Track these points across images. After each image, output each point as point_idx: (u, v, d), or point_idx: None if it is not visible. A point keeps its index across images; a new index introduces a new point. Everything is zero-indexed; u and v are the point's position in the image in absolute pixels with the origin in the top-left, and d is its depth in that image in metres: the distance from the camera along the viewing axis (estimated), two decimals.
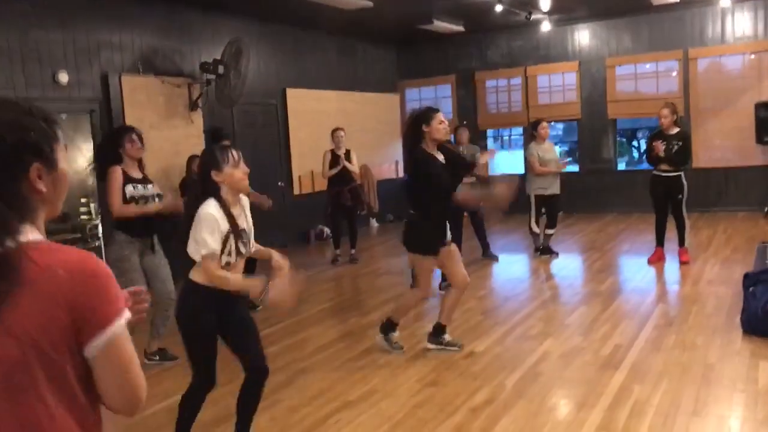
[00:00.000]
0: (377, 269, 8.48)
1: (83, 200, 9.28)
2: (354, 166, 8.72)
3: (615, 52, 11.79)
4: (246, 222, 3.35)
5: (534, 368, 4.59)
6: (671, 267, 7.49)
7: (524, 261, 8.57)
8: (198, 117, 8.75)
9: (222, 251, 3.17)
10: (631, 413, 3.78)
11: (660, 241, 7.73)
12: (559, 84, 12.31)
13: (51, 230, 6.43)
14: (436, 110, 4.81)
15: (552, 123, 16.77)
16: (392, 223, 12.31)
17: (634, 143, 20.38)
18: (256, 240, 3.46)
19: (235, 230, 3.21)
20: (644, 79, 11.69)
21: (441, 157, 4.80)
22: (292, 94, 10.48)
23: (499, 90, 12.85)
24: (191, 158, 8.28)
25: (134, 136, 4.98)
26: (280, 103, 10.35)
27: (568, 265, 8.08)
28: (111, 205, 4.82)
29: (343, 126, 10.12)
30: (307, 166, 10.51)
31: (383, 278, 7.88)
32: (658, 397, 3.95)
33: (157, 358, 5.17)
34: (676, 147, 7.30)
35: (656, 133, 7.56)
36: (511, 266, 8.30)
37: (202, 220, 3.14)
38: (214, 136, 7.52)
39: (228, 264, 3.22)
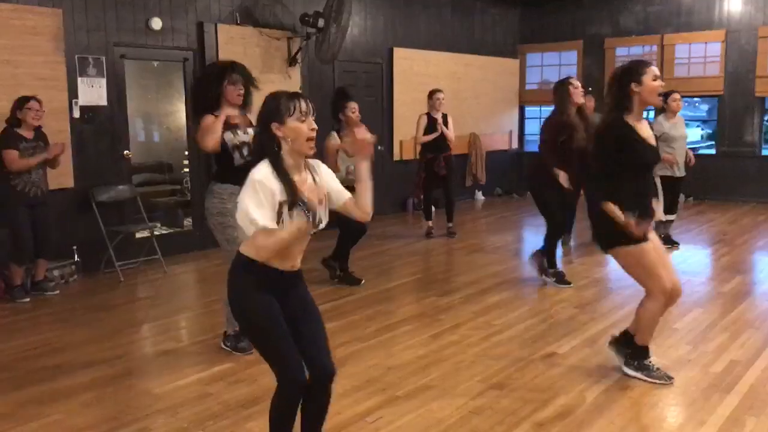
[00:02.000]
0: (472, 245, 7.83)
1: (186, 153, 9.21)
2: (450, 132, 8.04)
3: None
4: (316, 194, 2.66)
5: (624, 379, 3.84)
6: None
7: None
8: (296, 73, 8.38)
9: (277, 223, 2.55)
10: None
11: None
12: (700, 55, 10.97)
13: (151, 181, 6.25)
14: (649, 64, 3.70)
15: (696, 102, 15.32)
16: (500, 198, 11.57)
17: None
18: None
19: (293, 200, 2.53)
20: None
21: (646, 129, 3.80)
22: (399, 54, 9.89)
23: (632, 59, 11.64)
24: None
25: (235, 76, 4.29)
26: (387, 63, 9.79)
27: (689, 259, 7.08)
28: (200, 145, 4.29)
29: (455, 91, 9.41)
30: (410, 131, 9.87)
31: (475, 255, 7.23)
32: None
33: (228, 345, 4.36)
34: None
35: None
36: None
37: (248, 188, 2.53)
38: (337, 97, 6.26)
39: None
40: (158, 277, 6.45)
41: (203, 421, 3.38)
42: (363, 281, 6.01)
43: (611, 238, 3.71)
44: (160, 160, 9.89)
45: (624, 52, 11.67)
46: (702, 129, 18.03)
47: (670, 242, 7.45)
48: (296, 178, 2.60)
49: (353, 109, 5.91)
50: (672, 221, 7.48)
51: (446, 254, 7.55)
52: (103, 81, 6.59)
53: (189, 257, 7.16)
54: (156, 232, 7.00)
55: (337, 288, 5.88)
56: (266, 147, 2.60)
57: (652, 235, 3.77)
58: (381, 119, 9.80)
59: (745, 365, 4.03)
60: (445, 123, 7.98)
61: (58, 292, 5.86)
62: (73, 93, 6.37)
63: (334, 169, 5.65)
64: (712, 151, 11.58)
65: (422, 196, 8.42)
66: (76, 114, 6.42)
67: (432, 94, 8.05)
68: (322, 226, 2.70)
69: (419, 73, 10.08)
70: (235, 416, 3.42)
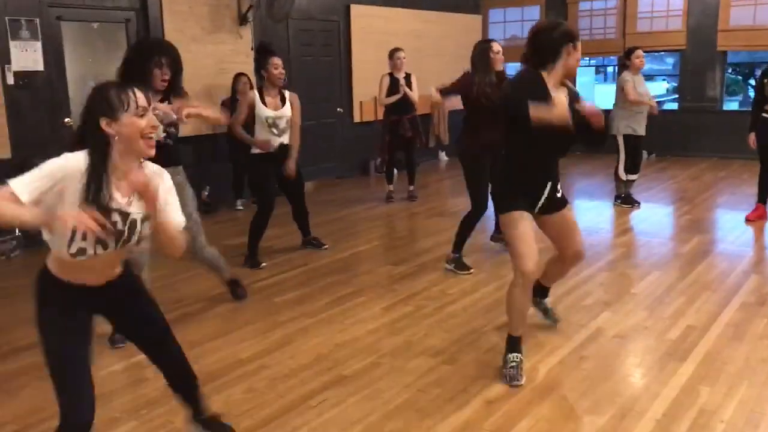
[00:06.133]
0: (433, 209, 7.68)
1: None
2: (414, 93, 7.80)
3: None
4: (142, 205, 2.27)
5: (579, 350, 3.75)
6: None
7: (599, 210, 7.54)
8: (247, 32, 8.03)
9: (74, 233, 2.21)
10: (691, 427, 2.92)
11: (762, 197, 6.57)
12: (662, 9, 10.80)
13: None
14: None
15: (662, 55, 15.17)
16: None
17: (752, 81, 18.21)
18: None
19: (100, 207, 2.16)
20: (765, 5, 10.04)
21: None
22: (357, 11, 9.55)
23: (594, 14, 11.45)
24: (237, 76, 7.65)
25: (162, 59, 3.95)
26: (343, 21, 9.46)
27: (649, 218, 7.02)
28: None
29: (417, 49, 9.01)
30: (370, 91, 9.64)
31: (435, 220, 7.08)
32: (732, 408, 3.06)
33: None
34: None
35: None
36: (583, 215, 7.26)
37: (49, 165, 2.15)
38: (259, 52, 6.34)
39: (82, 252, 2.25)
40: None
41: (137, 410, 3.22)
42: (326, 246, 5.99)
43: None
44: None
45: (587, 7, 11.47)
46: (668, 82, 17.97)
47: (630, 202, 7.38)
48: (120, 185, 2.24)
49: (276, 64, 5.40)
50: (634, 180, 7.39)
51: (406, 219, 7.39)
52: (38, 45, 6.21)
53: None
54: None
55: (290, 258, 5.69)
56: (91, 143, 2.18)
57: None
58: (339, 79, 9.52)
59: (701, 331, 3.95)
60: (409, 83, 7.73)
61: None
62: (4, 58, 6.00)
63: (243, 113, 5.34)
64: (675, 106, 11.52)
65: (385, 160, 8.23)
66: (10, 80, 6.06)
67: (393, 53, 7.78)
68: (141, 246, 2.36)
69: (378, 31, 9.76)
70: (172, 403, 3.24)
